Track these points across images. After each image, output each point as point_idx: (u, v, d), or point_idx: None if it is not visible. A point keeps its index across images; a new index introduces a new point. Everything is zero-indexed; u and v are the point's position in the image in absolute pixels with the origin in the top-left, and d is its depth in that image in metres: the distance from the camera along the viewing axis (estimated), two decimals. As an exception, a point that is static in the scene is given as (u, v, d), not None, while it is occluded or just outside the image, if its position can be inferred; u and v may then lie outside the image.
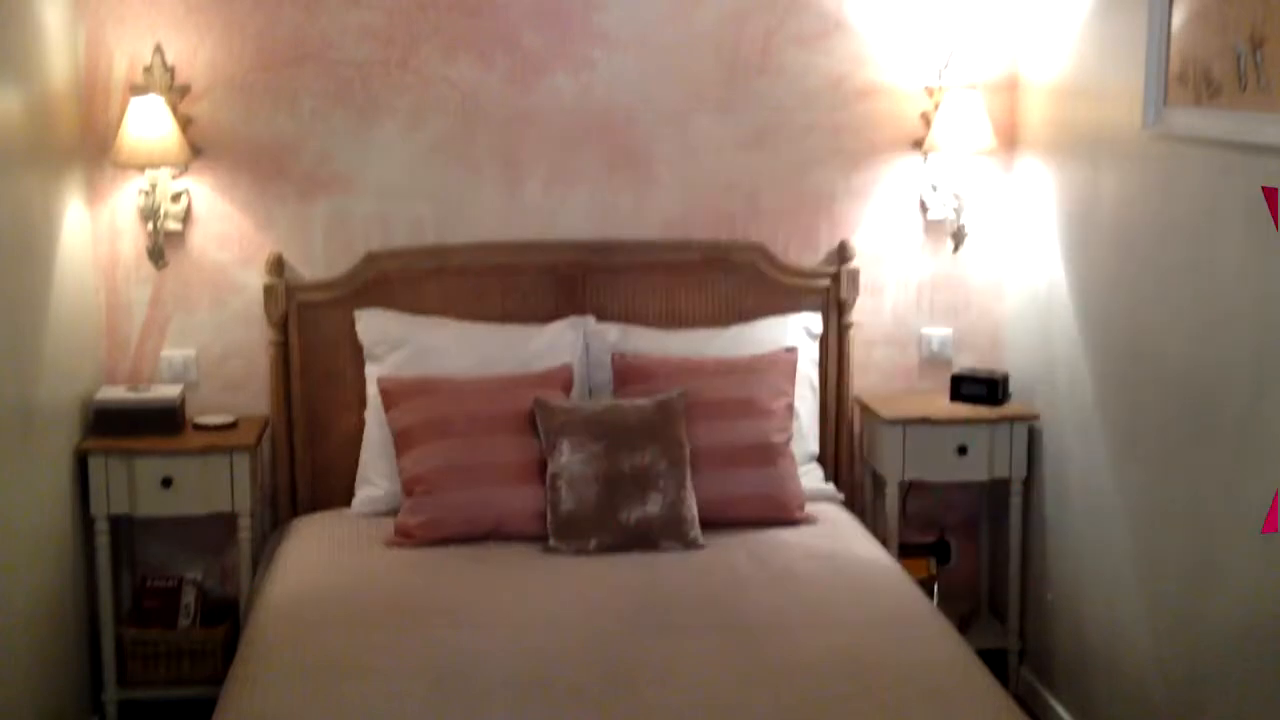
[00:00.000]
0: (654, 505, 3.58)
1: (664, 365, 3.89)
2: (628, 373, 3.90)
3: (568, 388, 3.87)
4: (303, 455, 4.03)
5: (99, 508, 3.78)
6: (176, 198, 3.98)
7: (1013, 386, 4.17)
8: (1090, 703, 3.77)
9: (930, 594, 4.06)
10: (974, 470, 4.08)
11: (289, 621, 3.17)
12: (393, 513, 3.75)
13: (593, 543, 3.55)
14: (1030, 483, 4.12)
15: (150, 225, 3.97)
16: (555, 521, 3.58)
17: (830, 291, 4.17)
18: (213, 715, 2.81)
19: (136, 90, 3.85)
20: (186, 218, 4.00)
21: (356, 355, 3.98)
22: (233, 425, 3.92)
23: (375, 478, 3.87)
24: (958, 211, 4.20)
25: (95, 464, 3.76)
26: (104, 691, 3.89)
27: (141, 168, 3.90)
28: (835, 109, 4.17)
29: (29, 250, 3.51)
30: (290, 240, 4.06)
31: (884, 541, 3.90)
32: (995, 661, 3.83)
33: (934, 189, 4.21)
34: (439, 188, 4.09)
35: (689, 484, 3.64)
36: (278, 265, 4.00)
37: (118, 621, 3.92)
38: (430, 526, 3.61)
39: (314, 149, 4.04)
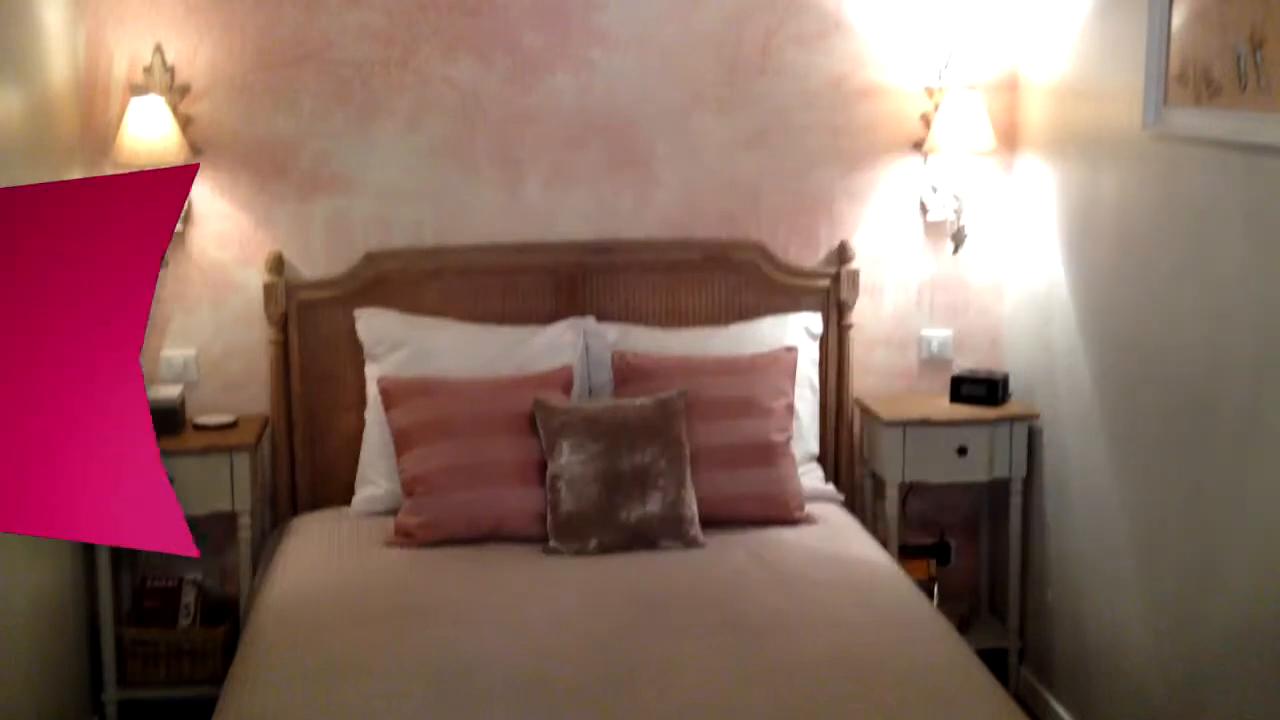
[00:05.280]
0: (654, 504, 3.58)
1: (664, 365, 3.88)
2: (628, 372, 3.90)
3: (568, 388, 3.86)
4: (303, 455, 4.03)
5: (99, 507, 3.77)
6: (177, 197, 3.98)
7: (1012, 387, 4.17)
8: (1090, 703, 3.77)
9: (930, 595, 4.06)
10: (974, 471, 4.07)
11: (289, 621, 3.17)
12: (393, 513, 3.74)
13: (593, 543, 3.55)
14: (1030, 483, 4.11)
15: (150, 225, 3.97)
16: (555, 523, 3.57)
17: (830, 292, 4.16)
18: (213, 715, 2.82)
19: (136, 90, 3.85)
20: (186, 217, 4.00)
21: (356, 355, 3.97)
22: (233, 425, 3.92)
23: (375, 477, 3.86)
24: (958, 212, 4.19)
25: (95, 464, 3.75)
26: (104, 691, 3.89)
27: (141, 168, 3.89)
28: (835, 109, 4.16)
29: (29, 250, 3.50)
30: (290, 240, 4.05)
31: (884, 543, 3.88)
32: (995, 661, 3.82)
33: (934, 190, 4.20)
34: (439, 188, 4.08)
35: (689, 483, 3.64)
36: (278, 263, 3.99)
37: (118, 621, 3.92)
38: (430, 527, 3.60)
39: (314, 149, 4.04)
